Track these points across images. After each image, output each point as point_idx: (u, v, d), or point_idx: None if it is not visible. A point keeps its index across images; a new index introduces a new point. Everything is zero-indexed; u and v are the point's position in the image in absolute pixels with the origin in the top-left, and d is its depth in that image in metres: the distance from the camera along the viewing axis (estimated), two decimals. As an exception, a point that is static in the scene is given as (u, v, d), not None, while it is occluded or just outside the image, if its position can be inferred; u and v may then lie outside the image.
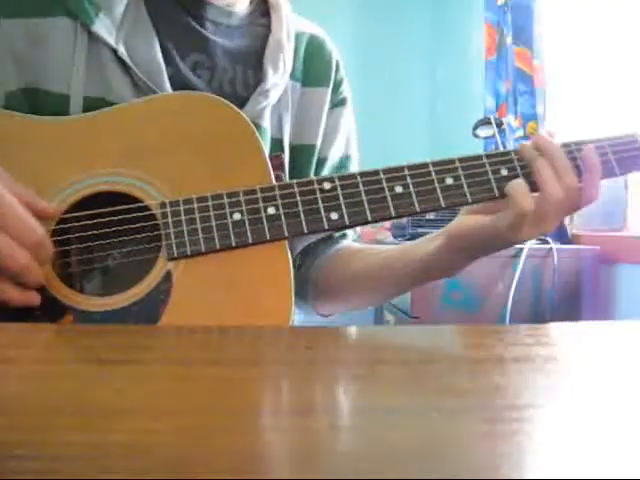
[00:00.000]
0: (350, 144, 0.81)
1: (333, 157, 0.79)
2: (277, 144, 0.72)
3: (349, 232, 0.80)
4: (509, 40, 2.02)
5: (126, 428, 0.22)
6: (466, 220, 0.60)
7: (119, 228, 0.55)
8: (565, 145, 0.60)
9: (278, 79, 0.70)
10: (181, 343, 0.41)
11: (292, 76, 0.74)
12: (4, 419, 0.23)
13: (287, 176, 0.72)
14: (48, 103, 0.61)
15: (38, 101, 0.61)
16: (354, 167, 0.81)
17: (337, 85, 0.79)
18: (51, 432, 0.22)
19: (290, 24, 0.75)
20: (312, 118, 0.76)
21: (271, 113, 0.71)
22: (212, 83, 0.69)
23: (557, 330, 0.48)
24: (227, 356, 0.36)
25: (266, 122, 0.70)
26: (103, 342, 0.38)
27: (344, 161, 0.80)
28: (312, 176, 0.75)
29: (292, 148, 0.74)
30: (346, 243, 0.79)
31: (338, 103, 0.79)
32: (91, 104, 0.61)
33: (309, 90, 0.76)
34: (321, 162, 0.78)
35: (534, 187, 0.57)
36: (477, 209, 0.60)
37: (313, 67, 0.77)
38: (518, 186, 0.57)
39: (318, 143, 0.76)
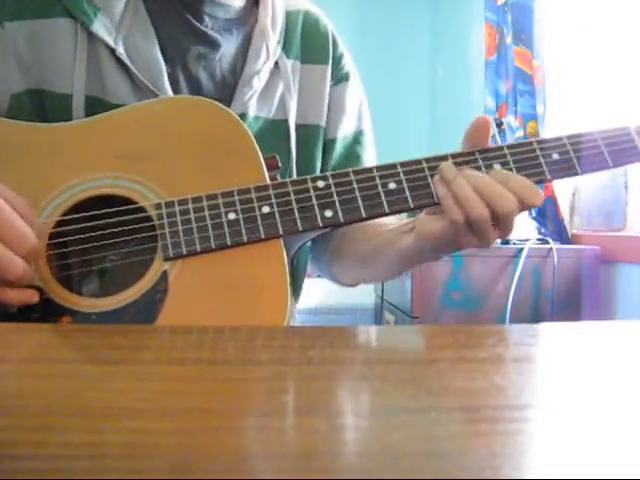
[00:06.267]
0: (362, 119, 0.79)
1: (344, 136, 0.77)
2: (280, 125, 0.71)
3: None
4: (509, 40, 2.02)
5: (126, 428, 0.22)
6: (428, 222, 0.58)
7: (116, 230, 0.55)
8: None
9: (260, 66, 0.70)
10: (181, 343, 0.41)
11: (291, 54, 0.74)
12: (4, 419, 0.23)
13: (294, 156, 0.71)
14: (52, 103, 0.62)
15: (42, 102, 0.62)
16: (368, 142, 0.79)
17: (337, 60, 0.78)
18: (51, 432, 0.22)
19: (277, 7, 0.74)
20: (314, 96, 0.75)
21: (271, 93, 0.71)
22: (215, 76, 0.69)
23: (557, 330, 0.48)
24: (227, 356, 0.36)
25: (252, 111, 0.70)
26: (103, 342, 0.38)
27: (358, 137, 0.78)
28: (319, 158, 0.75)
29: (298, 128, 0.73)
30: None
31: (341, 79, 0.78)
32: (92, 104, 0.62)
33: (308, 67, 0.75)
34: (331, 144, 0.76)
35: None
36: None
37: (311, 44, 0.76)
38: (445, 197, 0.55)
39: (323, 123, 0.75)
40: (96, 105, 0.62)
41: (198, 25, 0.68)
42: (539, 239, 1.63)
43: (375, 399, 0.27)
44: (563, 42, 1.92)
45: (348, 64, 0.80)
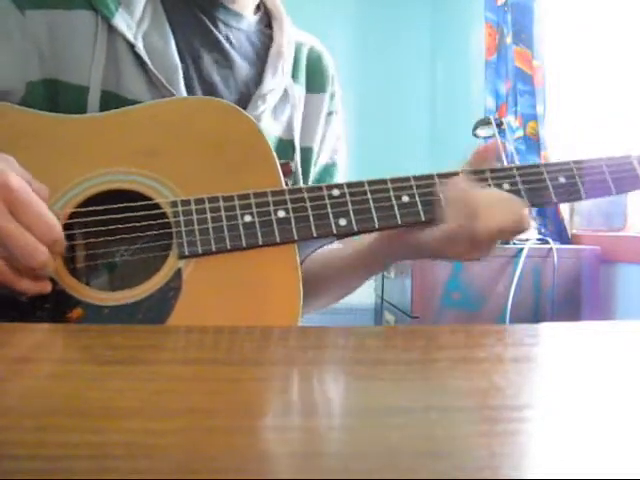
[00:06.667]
0: (337, 152, 0.84)
1: (321, 164, 0.81)
2: (288, 145, 0.73)
3: None
4: (509, 40, 2.02)
5: (126, 428, 0.22)
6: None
7: (129, 225, 0.55)
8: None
9: (276, 84, 0.72)
10: (181, 343, 0.41)
11: (298, 81, 0.77)
12: (4, 419, 0.23)
13: (301, 178, 0.74)
14: (67, 95, 0.62)
15: (57, 92, 0.62)
16: (339, 175, 0.83)
17: (331, 96, 0.82)
18: (51, 432, 0.22)
19: (291, 34, 0.77)
20: (313, 122, 0.78)
21: (280, 114, 0.73)
22: (229, 82, 0.70)
23: (557, 330, 0.48)
24: (227, 356, 0.36)
25: (265, 125, 0.71)
26: (103, 342, 0.38)
27: (330, 168, 0.82)
28: (310, 179, 0.78)
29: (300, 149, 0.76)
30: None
31: (331, 112, 0.82)
32: (107, 98, 0.62)
33: (310, 96, 0.79)
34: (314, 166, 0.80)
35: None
36: None
37: (314, 76, 0.80)
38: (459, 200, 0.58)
39: (316, 147, 0.79)
40: (110, 99, 0.62)
41: (212, 29, 0.69)
42: (539, 239, 1.63)
43: (375, 399, 0.27)
44: (563, 42, 1.92)
45: (338, 102, 0.84)
